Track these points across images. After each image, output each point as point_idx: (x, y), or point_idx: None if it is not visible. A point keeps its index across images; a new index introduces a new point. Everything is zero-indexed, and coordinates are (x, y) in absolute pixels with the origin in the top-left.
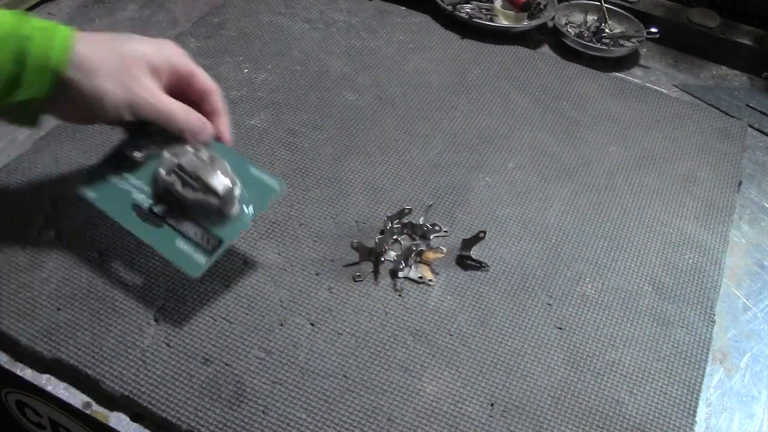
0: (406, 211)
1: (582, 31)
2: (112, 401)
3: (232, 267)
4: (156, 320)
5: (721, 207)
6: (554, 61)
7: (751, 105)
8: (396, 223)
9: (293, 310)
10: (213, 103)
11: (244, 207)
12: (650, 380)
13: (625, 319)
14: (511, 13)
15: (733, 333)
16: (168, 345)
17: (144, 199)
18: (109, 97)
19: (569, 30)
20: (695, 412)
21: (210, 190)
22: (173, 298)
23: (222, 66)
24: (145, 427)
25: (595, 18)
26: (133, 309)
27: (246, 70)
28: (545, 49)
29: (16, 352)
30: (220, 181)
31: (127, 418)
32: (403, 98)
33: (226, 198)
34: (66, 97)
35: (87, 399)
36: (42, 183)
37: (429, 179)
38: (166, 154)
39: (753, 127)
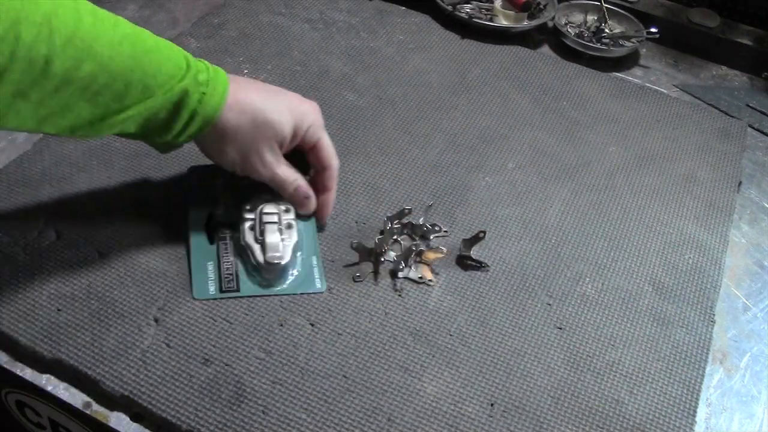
0: (406, 211)
1: (582, 31)
2: (112, 401)
3: None
4: (156, 320)
5: (721, 207)
6: (554, 61)
7: (751, 105)
8: (396, 224)
9: (293, 310)
10: (326, 180)
11: (281, 281)
12: (650, 380)
13: (625, 319)
14: (511, 13)
15: (733, 333)
16: (168, 345)
17: (223, 212)
18: (228, 160)
19: (569, 30)
20: (695, 412)
21: (263, 247)
22: (173, 298)
23: (222, 66)
24: (145, 427)
25: (595, 18)
26: (133, 309)
27: (246, 71)
28: (545, 49)
29: (16, 352)
30: (273, 250)
31: (127, 418)
32: (403, 98)
33: (268, 266)
34: (197, 138)
35: (87, 399)
36: (42, 183)
37: (429, 179)
38: (263, 197)
39: (753, 127)
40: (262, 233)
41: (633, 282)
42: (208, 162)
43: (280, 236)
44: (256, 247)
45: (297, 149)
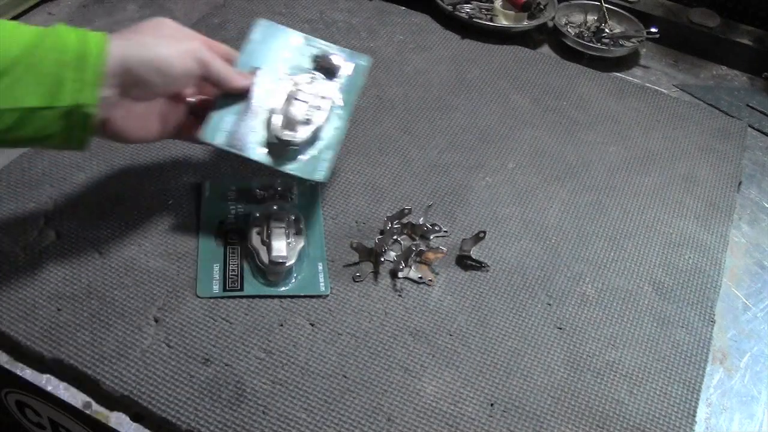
0: (406, 211)
1: (582, 31)
2: (112, 401)
3: None
4: (156, 320)
5: (721, 207)
6: (554, 61)
7: (751, 105)
8: (396, 223)
9: (293, 310)
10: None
11: (285, 282)
12: (650, 380)
13: (625, 319)
14: (511, 13)
15: (733, 333)
16: (168, 345)
17: (232, 223)
18: (175, 55)
19: (569, 30)
20: (695, 412)
21: (269, 249)
22: (173, 298)
23: None
24: (145, 427)
25: (595, 18)
26: (133, 309)
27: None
28: (545, 49)
29: (16, 352)
30: (278, 251)
31: (127, 418)
32: (403, 98)
33: (272, 266)
34: (118, 88)
35: (87, 399)
36: (42, 183)
37: (429, 179)
38: (274, 206)
39: (753, 127)
40: (269, 236)
41: (633, 282)
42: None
43: (287, 240)
44: (262, 249)
45: None
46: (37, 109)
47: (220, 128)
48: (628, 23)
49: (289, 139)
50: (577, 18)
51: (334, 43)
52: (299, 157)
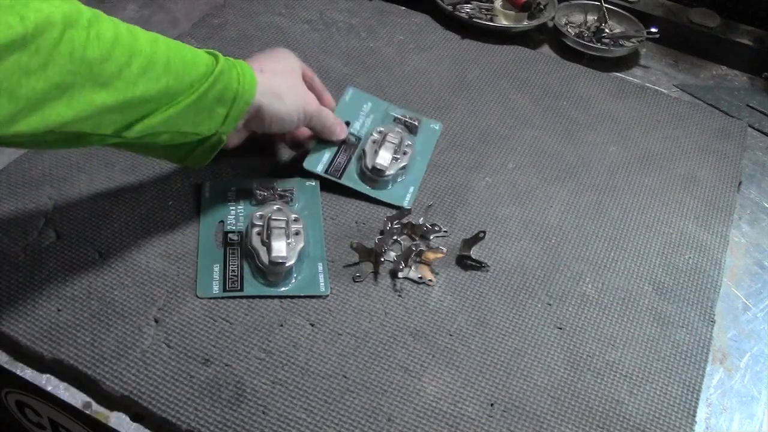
0: (406, 211)
1: (582, 31)
2: (112, 401)
3: None
4: (156, 320)
5: (721, 207)
6: (554, 61)
7: (751, 105)
8: (396, 224)
9: (293, 310)
10: (326, 101)
11: (285, 282)
12: (650, 380)
13: (625, 319)
14: (511, 13)
15: (733, 333)
16: (168, 345)
17: (232, 223)
18: (294, 110)
19: (569, 30)
20: (695, 412)
21: (269, 249)
22: (173, 298)
23: None
24: (145, 427)
25: (595, 18)
26: (133, 309)
27: None
28: (545, 49)
29: (16, 352)
30: (278, 251)
31: (127, 418)
32: (403, 98)
33: (272, 266)
34: (249, 125)
35: (87, 399)
36: (42, 183)
37: (429, 179)
38: (274, 206)
39: (753, 127)
40: (268, 237)
41: (633, 282)
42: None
43: (287, 240)
44: (262, 249)
45: None
46: (187, 133)
47: (321, 161)
48: (628, 23)
49: (380, 167)
50: (577, 18)
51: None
52: (388, 188)
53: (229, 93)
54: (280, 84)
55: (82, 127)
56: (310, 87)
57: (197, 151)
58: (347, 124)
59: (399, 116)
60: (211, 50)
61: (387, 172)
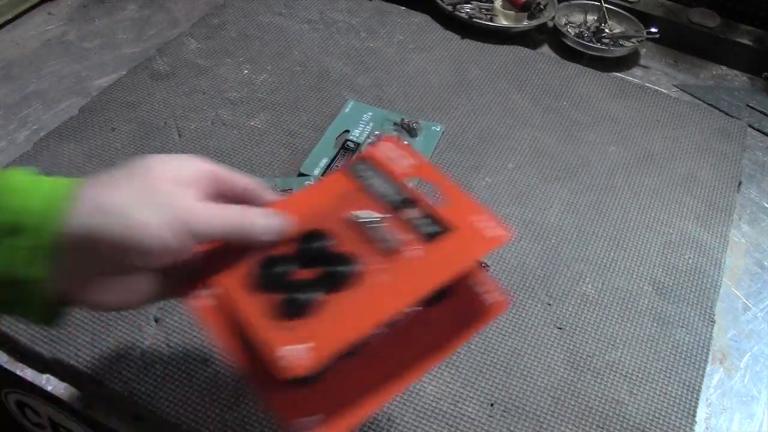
0: None
1: (582, 31)
2: (112, 401)
3: None
4: (156, 320)
5: (721, 207)
6: (554, 61)
7: (751, 105)
8: None
9: None
10: (259, 197)
11: None
12: (650, 380)
13: (625, 319)
14: (511, 13)
15: (733, 333)
16: (168, 345)
17: None
18: (152, 227)
19: (569, 30)
20: (695, 412)
21: None
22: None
23: (222, 67)
24: (145, 427)
25: (595, 18)
26: (133, 309)
27: (246, 71)
28: (545, 49)
29: (16, 352)
30: None
31: (127, 418)
32: (403, 98)
33: None
34: (82, 264)
35: (87, 399)
36: None
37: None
38: None
39: (753, 127)
40: None
41: (633, 282)
42: None
43: None
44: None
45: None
46: None
47: (318, 165)
48: (628, 23)
49: None
50: (577, 18)
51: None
52: None
53: (17, 217)
54: (124, 195)
55: None
56: (232, 197)
57: (33, 308)
58: (346, 131)
59: (398, 121)
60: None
61: None
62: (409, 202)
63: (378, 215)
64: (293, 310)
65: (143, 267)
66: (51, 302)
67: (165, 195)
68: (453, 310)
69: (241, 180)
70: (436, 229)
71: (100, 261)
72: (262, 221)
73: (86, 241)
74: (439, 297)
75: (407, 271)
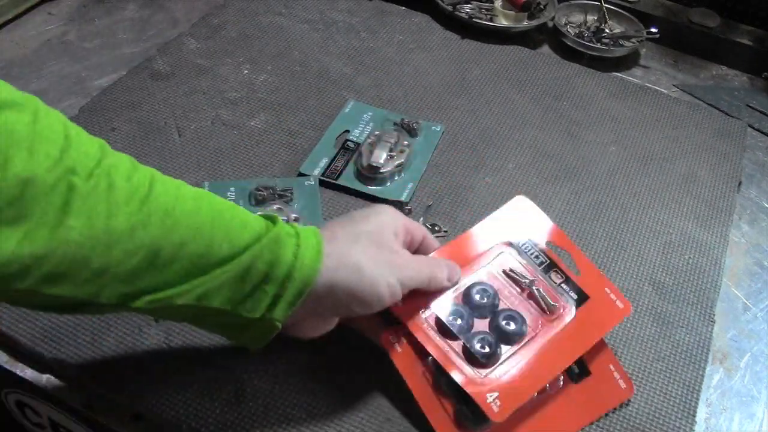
0: (407, 211)
1: (582, 31)
2: (112, 401)
3: None
4: (156, 320)
5: (721, 207)
6: (554, 61)
7: (751, 105)
8: None
9: None
10: (431, 245)
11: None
12: (650, 380)
13: (625, 319)
14: (511, 13)
15: (733, 333)
16: (168, 345)
17: None
18: (379, 285)
19: (569, 30)
20: (695, 412)
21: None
22: None
23: (222, 67)
24: (145, 427)
25: (595, 18)
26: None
27: (246, 71)
28: (545, 49)
29: (16, 352)
30: (377, 158)
31: (127, 418)
32: (403, 98)
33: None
34: (314, 309)
35: (87, 399)
36: None
37: (429, 179)
38: (274, 206)
39: (753, 127)
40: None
41: (633, 282)
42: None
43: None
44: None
45: None
46: (221, 311)
47: (318, 165)
48: (628, 23)
49: (375, 164)
50: (577, 18)
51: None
52: (386, 186)
53: (282, 267)
54: (358, 252)
55: (78, 292)
56: (416, 249)
57: (246, 335)
58: (346, 131)
59: (398, 121)
60: (269, 214)
61: (382, 170)
62: (552, 265)
63: (530, 276)
64: (479, 361)
65: (356, 315)
66: (268, 337)
67: (387, 252)
68: (590, 388)
69: (419, 230)
70: (576, 295)
71: (328, 308)
72: (446, 273)
73: (327, 291)
74: (581, 375)
75: (565, 335)
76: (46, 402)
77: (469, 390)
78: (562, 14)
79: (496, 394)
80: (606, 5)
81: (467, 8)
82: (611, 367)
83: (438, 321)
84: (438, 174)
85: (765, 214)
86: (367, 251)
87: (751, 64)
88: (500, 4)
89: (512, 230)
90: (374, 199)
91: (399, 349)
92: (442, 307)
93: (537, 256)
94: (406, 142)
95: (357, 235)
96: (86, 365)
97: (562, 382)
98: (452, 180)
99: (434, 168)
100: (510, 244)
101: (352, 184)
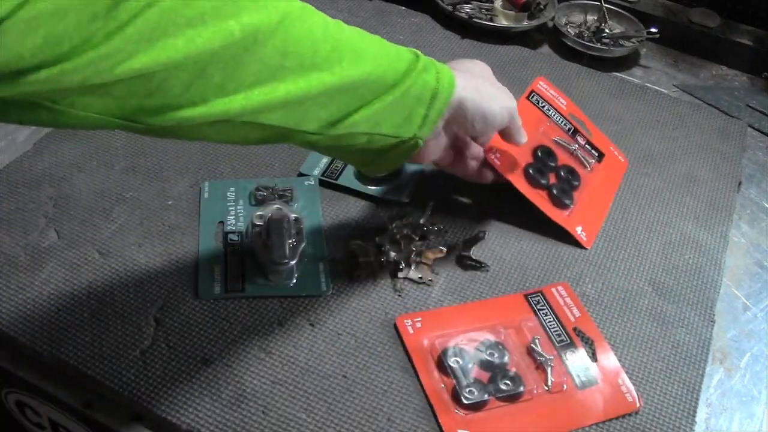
0: (406, 207)
1: (582, 31)
2: (112, 401)
3: None
4: (156, 320)
5: (721, 207)
6: (554, 61)
7: (751, 105)
8: (396, 224)
9: (293, 310)
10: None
11: (286, 282)
12: (650, 380)
13: (625, 319)
14: (511, 13)
15: (733, 333)
16: (168, 345)
17: (232, 223)
18: (495, 107)
19: (569, 30)
20: (695, 412)
21: (270, 249)
22: (173, 298)
23: None
24: (145, 427)
25: (595, 18)
26: (133, 309)
27: None
28: (545, 49)
29: (16, 352)
30: (279, 251)
31: (127, 418)
32: None
33: (273, 266)
34: (451, 120)
35: (87, 399)
36: (42, 183)
37: (429, 179)
38: (274, 206)
39: (753, 127)
40: (269, 237)
41: (633, 282)
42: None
43: (288, 240)
44: (263, 250)
45: None
46: (386, 135)
47: (318, 165)
48: (628, 23)
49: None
50: (577, 18)
51: None
52: (386, 185)
53: (427, 91)
54: (478, 80)
55: (286, 122)
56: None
57: (388, 156)
58: None
59: None
60: (412, 49)
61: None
62: (575, 131)
63: (571, 143)
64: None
65: (473, 135)
66: (411, 154)
67: (498, 84)
68: (594, 395)
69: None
70: (597, 153)
71: (458, 122)
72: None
73: (458, 107)
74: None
75: (596, 187)
76: (46, 402)
77: (561, 222)
78: (562, 14)
79: (581, 227)
80: (606, 5)
81: (467, 8)
82: (621, 380)
83: (527, 170)
84: (438, 174)
85: (765, 214)
86: (484, 80)
87: (751, 64)
88: (500, 4)
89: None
90: (374, 199)
91: (411, 332)
92: None
93: (566, 124)
94: None
95: (473, 72)
96: (86, 365)
97: (566, 386)
98: (452, 180)
99: (434, 168)
100: (544, 115)
101: (352, 184)
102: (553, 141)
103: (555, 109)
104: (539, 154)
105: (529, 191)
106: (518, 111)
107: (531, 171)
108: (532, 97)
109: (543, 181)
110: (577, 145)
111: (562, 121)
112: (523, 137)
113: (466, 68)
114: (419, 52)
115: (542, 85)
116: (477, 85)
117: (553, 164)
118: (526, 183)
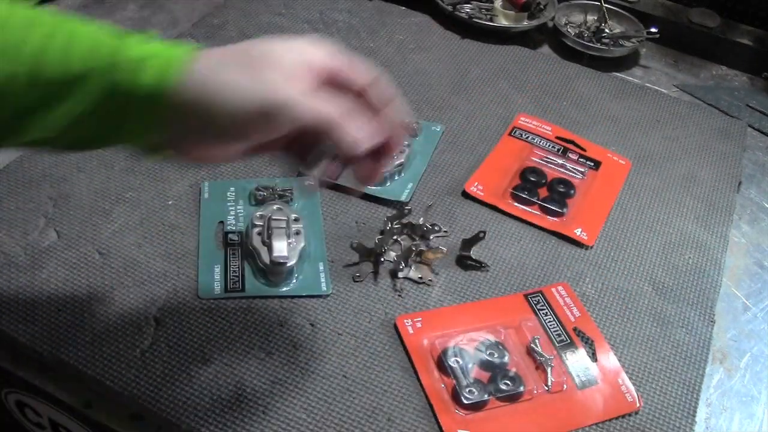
0: (406, 211)
1: (582, 31)
2: (112, 401)
3: None
4: (156, 320)
5: (721, 207)
6: (554, 61)
7: (751, 105)
8: (396, 223)
9: (293, 310)
10: (375, 95)
11: (287, 283)
12: (650, 380)
13: (625, 319)
14: (511, 13)
15: (733, 333)
16: (168, 345)
17: (232, 223)
18: (237, 91)
19: (569, 30)
20: (695, 412)
21: (270, 249)
22: (173, 298)
23: None
24: (145, 427)
25: (595, 18)
26: (133, 309)
27: None
28: (545, 49)
29: (16, 352)
30: (279, 251)
31: (127, 418)
32: (403, 98)
33: (273, 266)
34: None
35: (87, 399)
36: (42, 183)
37: (429, 179)
38: (274, 206)
39: (753, 127)
40: (269, 237)
41: (633, 282)
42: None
43: (287, 240)
44: (263, 250)
45: None
46: (92, 139)
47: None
48: (628, 23)
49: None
50: (577, 18)
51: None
52: (386, 184)
53: (133, 88)
54: (228, 65)
55: None
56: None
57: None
58: None
59: None
60: (148, 32)
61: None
62: (565, 149)
63: (559, 158)
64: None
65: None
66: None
67: (266, 70)
68: (594, 395)
69: (360, 79)
70: (593, 163)
71: (199, 131)
72: (352, 135)
73: (194, 107)
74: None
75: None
76: (46, 402)
77: (556, 229)
78: (562, 14)
79: (580, 228)
80: (606, 5)
81: (467, 8)
82: (622, 380)
83: (514, 193)
84: (438, 174)
85: (765, 214)
86: (242, 62)
87: (751, 64)
88: (500, 4)
89: None
90: (374, 199)
91: (411, 332)
92: None
93: (554, 145)
94: (406, 142)
95: (237, 53)
96: (86, 365)
97: (566, 386)
98: (452, 180)
99: (434, 168)
100: (529, 145)
101: (352, 184)
102: (540, 162)
103: (540, 137)
104: (526, 175)
105: (518, 211)
106: (501, 148)
107: (518, 192)
108: (515, 132)
109: (533, 198)
110: (566, 160)
111: (549, 145)
112: (350, 142)
113: (237, 48)
114: (137, 36)
115: (524, 120)
116: (222, 70)
117: (543, 181)
118: (514, 204)
